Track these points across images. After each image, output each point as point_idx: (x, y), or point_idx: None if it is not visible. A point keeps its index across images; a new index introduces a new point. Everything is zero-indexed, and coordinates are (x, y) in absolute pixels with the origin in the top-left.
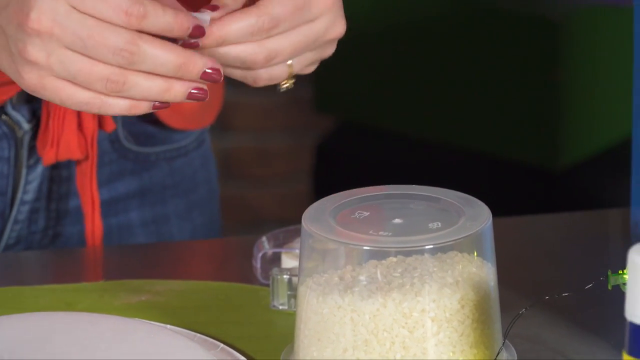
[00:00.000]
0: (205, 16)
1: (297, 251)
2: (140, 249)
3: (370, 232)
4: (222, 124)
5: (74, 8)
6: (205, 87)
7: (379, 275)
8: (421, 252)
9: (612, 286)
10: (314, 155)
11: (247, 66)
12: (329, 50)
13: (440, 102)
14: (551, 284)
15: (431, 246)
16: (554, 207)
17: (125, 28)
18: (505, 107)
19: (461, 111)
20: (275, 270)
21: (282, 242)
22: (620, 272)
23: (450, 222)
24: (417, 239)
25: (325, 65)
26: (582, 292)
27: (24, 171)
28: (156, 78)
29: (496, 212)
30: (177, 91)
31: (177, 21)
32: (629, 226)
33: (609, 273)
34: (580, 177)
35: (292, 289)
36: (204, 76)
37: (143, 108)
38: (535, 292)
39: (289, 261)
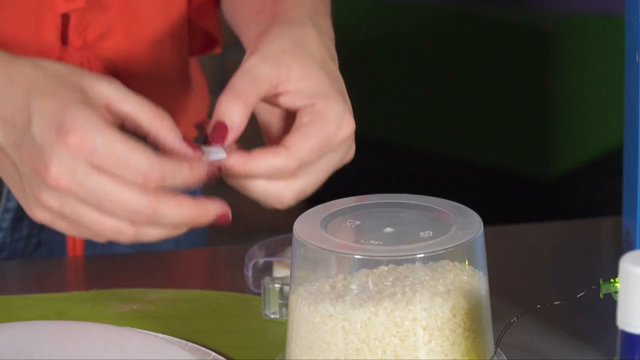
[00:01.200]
0: (219, 154)
1: (289, 260)
2: (131, 257)
3: (362, 241)
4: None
5: (96, 168)
6: (228, 212)
7: (370, 284)
8: (413, 260)
9: (604, 295)
10: None
11: (273, 201)
12: (341, 166)
13: (431, 111)
14: (543, 293)
15: (422, 255)
16: (546, 216)
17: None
18: (496, 115)
19: (452, 120)
20: (266, 279)
21: (273, 251)
22: (612, 280)
23: (441, 231)
24: (409, 248)
25: None
26: (574, 300)
27: None
28: (165, 227)
29: (487, 220)
30: (206, 217)
31: (194, 174)
32: (620, 234)
33: (600, 281)
34: (572, 185)
35: (284, 298)
36: (215, 221)
37: (177, 232)
38: (526, 301)
39: (280, 270)
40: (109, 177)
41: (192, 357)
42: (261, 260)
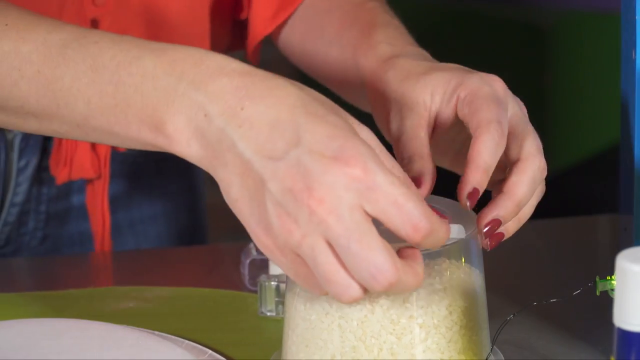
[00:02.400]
0: (461, 232)
1: None
2: (128, 255)
3: None
4: None
5: (361, 208)
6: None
7: None
8: None
9: (600, 292)
10: None
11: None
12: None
13: None
14: (539, 290)
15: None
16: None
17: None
18: None
19: None
20: (262, 277)
21: None
22: (609, 278)
23: None
24: (405, 246)
25: None
26: (570, 298)
27: (13, 173)
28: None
29: None
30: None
31: (446, 235)
32: (617, 232)
33: (597, 279)
34: (569, 182)
35: (280, 296)
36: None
37: None
38: (523, 298)
39: (276, 268)
40: (369, 221)
41: (189, 354)
42: (257, 258)
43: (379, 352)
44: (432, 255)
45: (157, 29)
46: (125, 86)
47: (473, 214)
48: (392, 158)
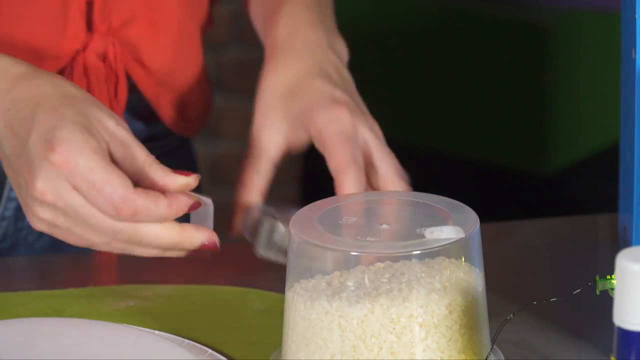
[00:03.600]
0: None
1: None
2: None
3: (358, 237)
4: (210, 130)
5: (75, 187)
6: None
7: (366, 281)
8: (409, 257)
9: (600, 291)
10: (302, 161)
11: None
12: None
13: (428, 108)
14: (539, 289)
15: (419, 252)
16: (542, 213)
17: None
18: (493, 112)
19: (449, 117)
20: (263, 215)
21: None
22: (609, 277)
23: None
24: (405, 245)
25: None
26: (570, 297)
27: None
28: (153, 249)
29: (484, 217)
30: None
31: (173, 210)
32: (617, 231)
33: (597, 278)
34: (569, 182)
35: (279, 237)
36: (202, 247)
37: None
38: (523, 297)
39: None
40: (87, 200)
41: (189, 354)
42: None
43: (379, 351)
44: (431, 254)
45: (152, 12)
46: None
47: (473, 213)
48: (134, 145)
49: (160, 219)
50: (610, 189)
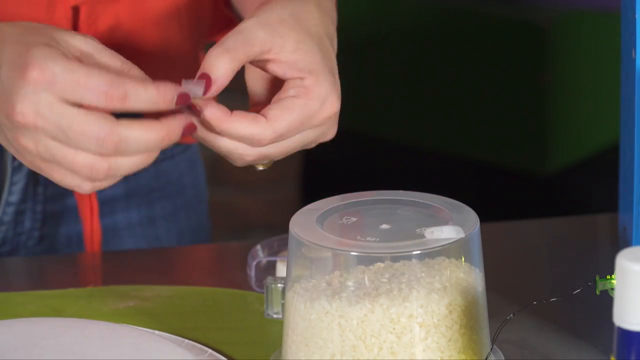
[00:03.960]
0: (197, 89)
1: None
2: (129, 254)
3: (358, 237)
4: None
5: (58, 99)
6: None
7: (366, 281)
8: (409, 257)
9: (600, 291)
10: (302, 160)
11: (232, 158)
12: (317, 143)
13: (427, 108)
14: (539, 289)
15: (419, 252)
16: (542, 213)
17: (107, 112)
18: (492, 112)
19: (449, 116)
20: (269, 279)
21: (276, 250)
22: (609, 277)
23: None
24: (405, 245)
25: None
26: (570, 297)
27: (8, 172)
28: (137, 154)
29: (484, 217)
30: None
31: (161, 95)
32: (617, 231)
33: (597, 278)
34: (568, 182)
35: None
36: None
37: (146, 162)
38: (523, 297)
39: (283, 269)
40: (71, 106)
41: (189, 354)
42: (264, 260)
43: (379, 351)
44: (431, 254)
45: (139, 28)
46: None
47: (473, 213)
48: (107, 56)
49: (150, 105)
50: (610, 190)
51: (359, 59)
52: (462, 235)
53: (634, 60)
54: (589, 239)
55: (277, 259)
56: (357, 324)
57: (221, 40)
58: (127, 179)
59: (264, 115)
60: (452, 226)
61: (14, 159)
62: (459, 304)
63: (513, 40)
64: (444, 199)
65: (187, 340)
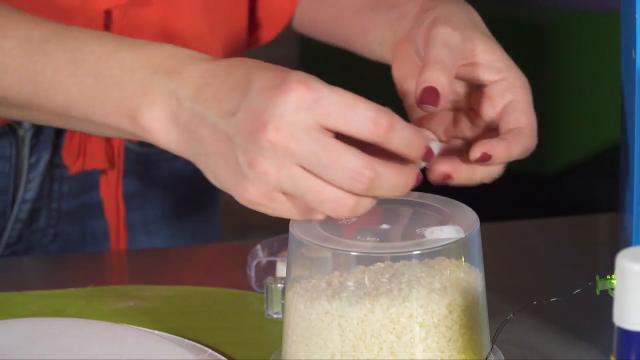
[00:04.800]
0: (434, 144)
1: None
2: (131, 255)
3: (358, 237)
4: None
5: (318, 124)
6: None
7: (366, 281)
8: (409, 257)
9: (600, 291)
10: None
11: (486, 179)
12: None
13: None
14: (539, 289)
15: (419, 252)
16: (542, 213)
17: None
18: None
19: None
20: (269, 279)
21: (276, 250)
22: (609, 277)
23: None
24: (405, 245)
25: (312, 59)
26: (570, 297)
27: (24, 170)
28: (384, 194)
29: (484, 217)
30: (411, 183)
31: (418, 138)
32: (616, 231)
33: (597, 278)
34: (569, 182)
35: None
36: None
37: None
38: (523, 297)
39: (283, 269)
40: (330, 134)
41: (189, 354)
42: (264, 260)
43: (379, 351)
44: (431, 254)
45: (170, 31)
46: (104, 78)
47: (472, 212)
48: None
49: (408, 144)
50: (610, 189)
51: (358, 58)
52: (462, 235)
53: (634, 60)
54: (589, 239)
55: (277, 259)
56: (357, 324)
57: (429, 55)
58: (141, 177)
59: (521, 128)
60: (452, 226)
61: (30, 155)
62: (459, 304)
63: (513, 40)
64: (443, 199)
65: (187, 340)
